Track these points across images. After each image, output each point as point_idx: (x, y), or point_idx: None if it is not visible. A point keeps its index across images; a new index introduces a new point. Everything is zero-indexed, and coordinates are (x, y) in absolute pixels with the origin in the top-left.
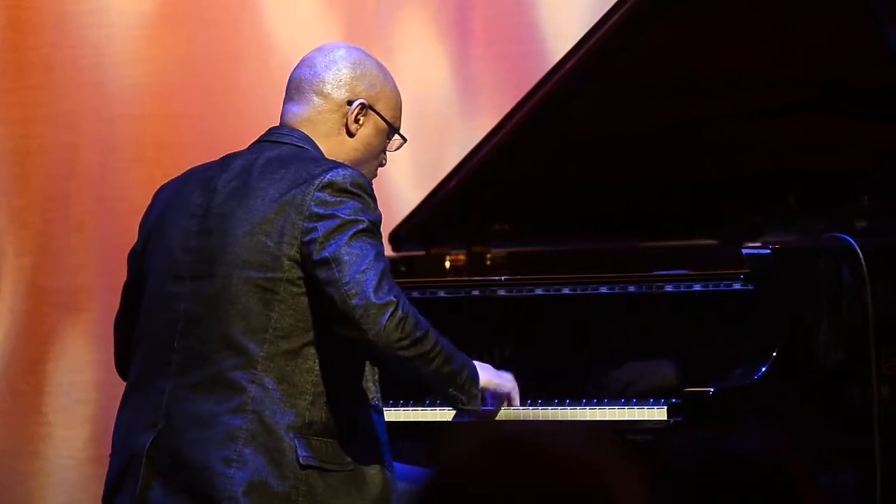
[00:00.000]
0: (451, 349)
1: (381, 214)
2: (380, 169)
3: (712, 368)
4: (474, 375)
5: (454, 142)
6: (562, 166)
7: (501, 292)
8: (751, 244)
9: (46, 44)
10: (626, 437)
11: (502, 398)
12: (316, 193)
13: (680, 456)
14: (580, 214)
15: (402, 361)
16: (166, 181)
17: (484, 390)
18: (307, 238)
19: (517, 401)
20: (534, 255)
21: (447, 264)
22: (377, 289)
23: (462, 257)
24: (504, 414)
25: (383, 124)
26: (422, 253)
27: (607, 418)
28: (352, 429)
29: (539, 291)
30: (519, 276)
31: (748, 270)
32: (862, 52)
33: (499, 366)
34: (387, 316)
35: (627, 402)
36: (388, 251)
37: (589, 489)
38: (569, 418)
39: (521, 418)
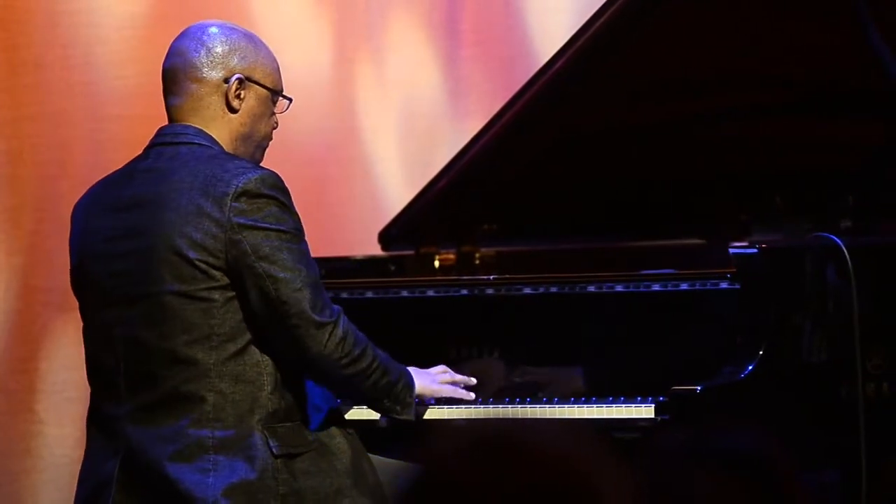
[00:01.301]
0: (387, 360)
1: (297, 213)
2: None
3: (699, 367)
4: (409, 384)
5: (444, 142)
6: (550, 166)
7: (490, 291)
8: (737, 243)
9: (37, 43)
10: (613, 435)
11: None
12: (232, 204)
13: (667, 454)
14: (568, 214)
15: (343, 379)
16: (78, 199)
17: (420, 397)
18: (234, 251)
19: (466, 396)
20: (522, 255)
21: (436, 263)
22: (314, 307)
23: (451, 257)
24: (492, 412)
25: (265, 92)
26: (411, 252)
27: (595, 416)
28: (306, 407)
29: (527, 290)
30: (507, 276)
31: (735, 270)
32: (847, 53)
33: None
34: (327, 336)
35: (615, 401)
36: (378, 250)
37: (577, 487)
38: (557, 416)
39: (510, 416)
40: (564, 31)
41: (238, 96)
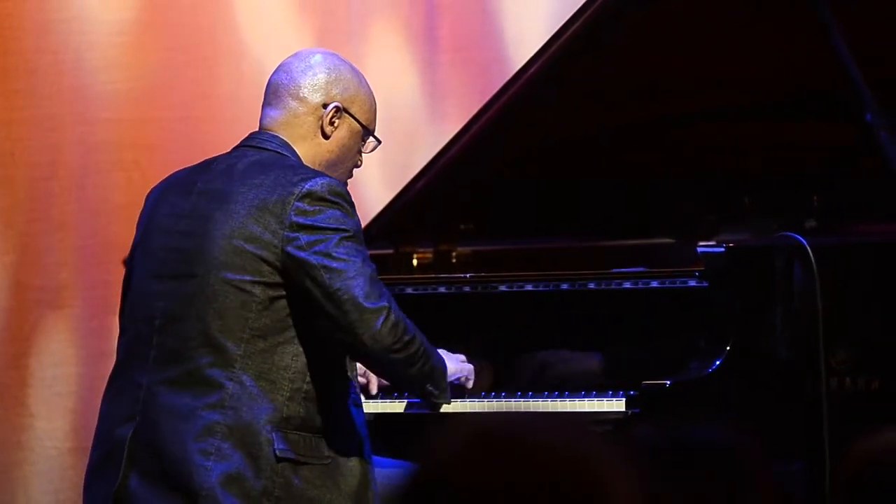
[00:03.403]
0: (430, 347)
1: (360, 221)
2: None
3: (669, 362)
4: (444, 369)
5: (422, 145)
6: (524, 168)
7: (467, 289)
8: (705, 243)
9: (29, 49)
10: (587, 429)
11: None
12: (295, 203)
13: (638, 446)
14: (542, 214)
15: (393, 363)
16: (156, 183)
17: (450, 380)
18: (290, 248)
19: (471, 382)
20: (498, 254)
21: (414, 262)
22: (368, 294)
23: (429, 255)
24: (468, 406)
25: (357, 126)
26: (390, 251)
27: (568, 409)
28: (330, 423)
29: (503, 288)
30: (483, 274)
31: (703, 268)
32: (812, 59)
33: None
34: (381, 321)
35: (587, 395)
36: None
37: (550, 480)
38: (531, 409)
39: (486, 410)
40: (539, 37)
41: (332, 123)
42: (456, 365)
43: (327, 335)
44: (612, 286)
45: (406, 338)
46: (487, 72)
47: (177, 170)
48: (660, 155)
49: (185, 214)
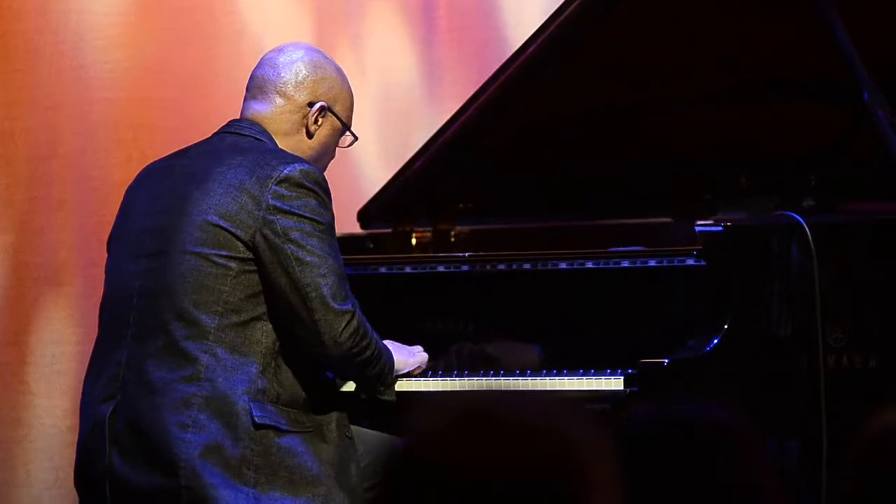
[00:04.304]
0: (382, 345)
1: (333, 213)
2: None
3: (667, 340)
4: (393, 365)
5: (420, 124)
6: (522, 147)
7: (465, 268)
8: (703, 222)
9: (29, 30)
10: (585, 406)
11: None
12: (273, 187)
13: (636, 423)
14: (540, 193)
15: (348, 366)
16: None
17: (398, 373)
18: (265, 230)
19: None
20: (496, 233)
21: (413, 241)
22: (336, 295)
23: (427, 234)
24: (466, 384)
25: (339, 124)
26: (389, 230)
27: (566, 388)
28: (307, 394)
29: (501, 267)
30: (482, 253)
31: (701, 247)
32: (809, 42)
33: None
34: (344, 325)
35: (586, 373)
36: (357, 228)
37: (550, 456)
38: (530, 388)
39: (485, 388)
40: (536, 17)
41: (317, 122)
42: (404, 358)
43: (288, 328)
44: (611, 265)
45: (364, 342)
46: (485, 51)
47: (155, 160)
48: (660, 135)
49: (163, 196)
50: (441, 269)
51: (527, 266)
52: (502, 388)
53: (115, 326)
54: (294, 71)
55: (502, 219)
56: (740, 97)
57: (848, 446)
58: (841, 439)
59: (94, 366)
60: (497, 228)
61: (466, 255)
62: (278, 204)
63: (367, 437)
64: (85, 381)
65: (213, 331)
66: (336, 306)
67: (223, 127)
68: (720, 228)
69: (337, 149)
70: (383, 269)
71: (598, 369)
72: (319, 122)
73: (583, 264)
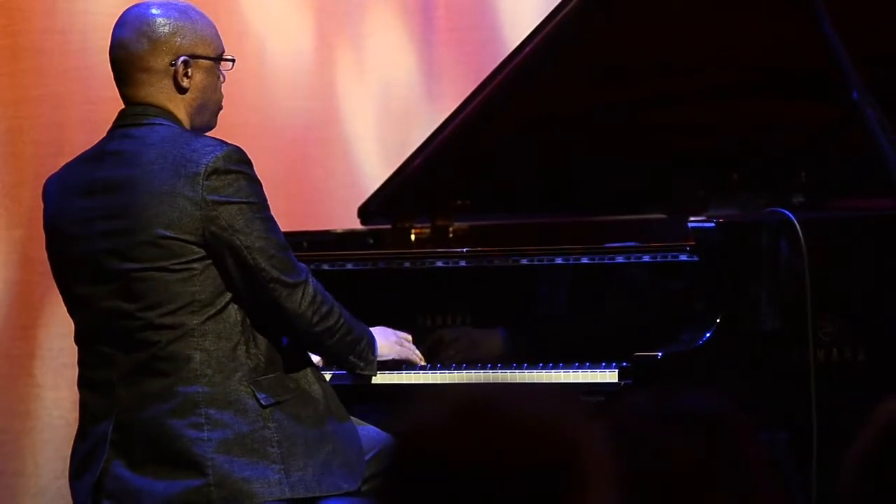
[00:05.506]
0: (351, 319)
1: (261, 182)
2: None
3: (660, 334)
4: (372, 342)
5: (419, 123)
6: (519, 145)
7: (463, 263)
8: (696, 218)
9: (37, 30)
10: (581, 399)
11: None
12: (204, 182)
13: (630, 416)
14: (537, 190)
15: (314, 335)
16: (48, 178)
17: (382, 355)
18: (211, 227)
19: (419, 361)
20: (493, 229)
21: (412, 237)
22: (286, 271)
23: (426, 230)
24: (464, 377)
25: (209, 63)
26: (388, 226)
27: (562, 381)
28: (285, 356)
29: (498, 262)
30: (479, 248)
31: (693, 243)
32: (798, 39)
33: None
34: (300, 296)
35: (581, 366)
36: (357, 224)
37: (546, 448)
38: (526, 381)
39: (482, 381)
40: (533, 17)
41: (186, 75)
42: (388, 344)
43: (253, 307)
44: (606, 260)
45: (324, 309)
46: (483, 51)
47: (66, 162)
48: (653, 132)
49: (98, 216)
50: (439, 264)
51: (523, 261)
52: (499, 381)
53: (94, 350)
54: (143, 41)
55: (499, 215)
56: (732, 95)
57: (837, 437)
58: (830, 430)
59: (84, 391)
60: (494, 225)
61: (464, 250)
62: (215, 198)
63: (365, 431)
64: (79, 387)
65: (196, 327)
66: (291, 279)
67: (117, 121)
68: (713, 224)
69: (225, 73)
70: (383, 264)
71: (594, 362)
72: (190, 74)
73: (578, 259)
